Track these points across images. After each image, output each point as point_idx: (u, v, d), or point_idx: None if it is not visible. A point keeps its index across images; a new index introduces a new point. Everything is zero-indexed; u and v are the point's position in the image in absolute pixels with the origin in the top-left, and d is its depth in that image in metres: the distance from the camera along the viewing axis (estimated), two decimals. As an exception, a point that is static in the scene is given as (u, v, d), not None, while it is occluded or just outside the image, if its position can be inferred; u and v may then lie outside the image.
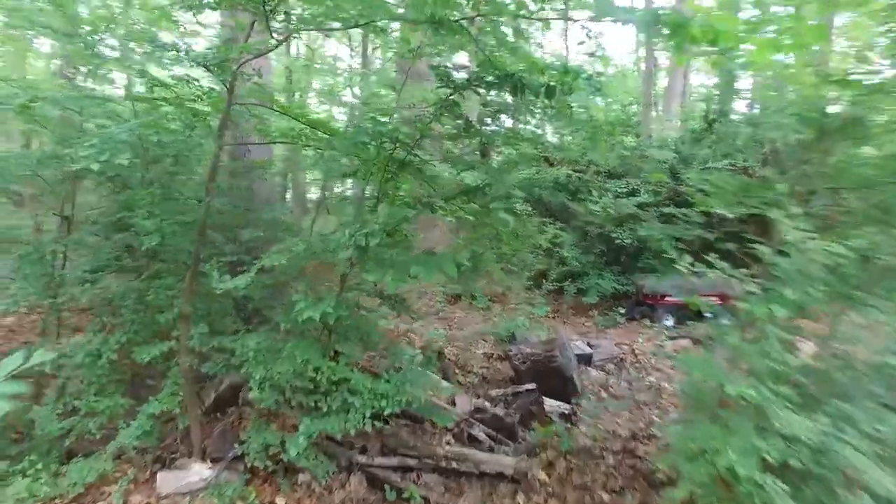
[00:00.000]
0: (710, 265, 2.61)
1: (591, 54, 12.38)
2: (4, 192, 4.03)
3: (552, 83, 3.03)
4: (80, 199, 5.51)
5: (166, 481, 3.59)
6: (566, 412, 4.84)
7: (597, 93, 3.19)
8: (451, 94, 3.30)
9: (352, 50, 20.50)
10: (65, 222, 4.75)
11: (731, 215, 3.25)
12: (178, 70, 3.40)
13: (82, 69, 6.24)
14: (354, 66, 19.60)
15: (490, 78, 3.09)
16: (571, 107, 3.50)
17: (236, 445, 3.41)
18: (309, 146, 3.40)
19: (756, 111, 12.32)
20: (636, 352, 7.37)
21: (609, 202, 9.50)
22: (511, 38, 3.17)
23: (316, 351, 3.04)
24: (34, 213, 5.23)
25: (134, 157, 2.79)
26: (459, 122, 3.38)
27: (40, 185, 4.91)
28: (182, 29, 5.23)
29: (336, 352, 3.30)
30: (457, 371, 6.00)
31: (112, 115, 3.28)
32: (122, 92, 6.19)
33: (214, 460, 3.60)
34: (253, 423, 3.40)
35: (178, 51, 2.86)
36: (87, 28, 4.86)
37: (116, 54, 4.12)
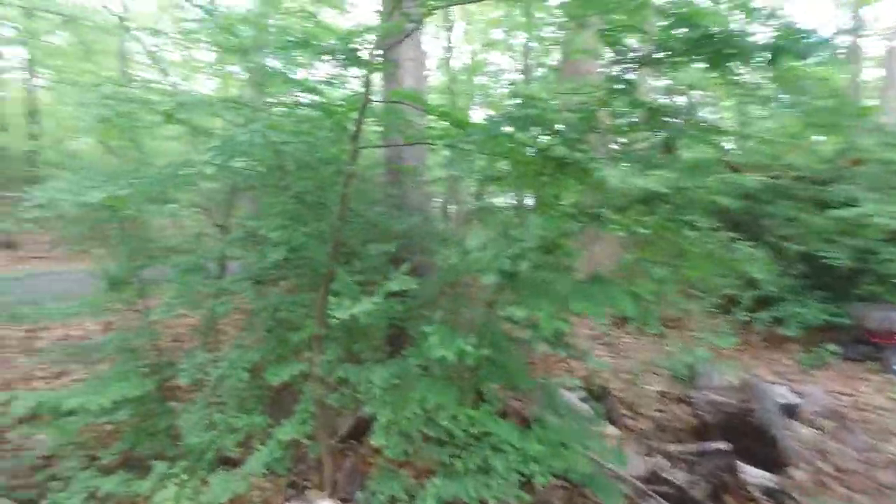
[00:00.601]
0: None
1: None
2: (166, 199, 4.09)
3: (779, 44, 2.16)
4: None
5: (294, 514, 3.34)
6: (772, 487, 3.70)
7: (835, 61, 2.25)
8: (624, 73, 2.57)
9: (515, 61, 20.22)
10: (224, 232, 4.89)
11: None
12: (316, 71, 3.14)
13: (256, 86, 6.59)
14: (517, 76, 19.28)
15: (680, 44, 2.31)
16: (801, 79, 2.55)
17: (358, 493, 3.00)
18: (451, 146, 2.90)
19: None
20: (861, 406, 5.72)
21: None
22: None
23: (452, 394, 2.50)
24: (205, 222, 5.55)
25: (252, 161, 2.54)
26: (637, 108, 2.62)
27: (207, 195, 5.16)
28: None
29: (479, 394, 2.72)
30: (624, 412, 5.10)
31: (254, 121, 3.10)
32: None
33: (344, 500, 3.25)
34: (380, 468, 2.97)
35: (305, 45, 2.54)
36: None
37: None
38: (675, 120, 3.02)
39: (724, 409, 4.36)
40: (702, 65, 2.44)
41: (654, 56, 2.51)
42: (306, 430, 3.29)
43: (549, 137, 2.42)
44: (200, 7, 2.93)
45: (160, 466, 3.77)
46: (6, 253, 11.03)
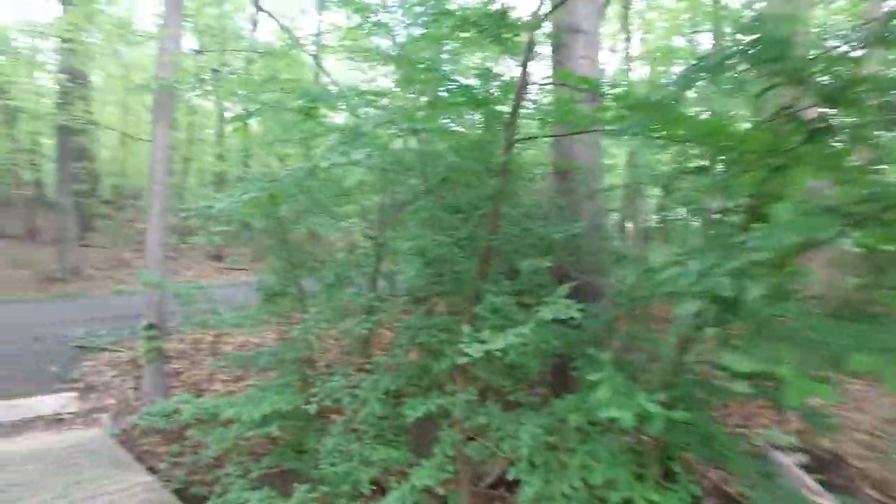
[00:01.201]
0: None
1: None
2: (324, 211, 3.96)
3: None
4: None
5: (429, 575, 2.83)
6: None
7: None
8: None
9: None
10: (376, 244, 4.69)
11: None
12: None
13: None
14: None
15: None
16: None
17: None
18: (627, 132, 2.19)
19: None
20: None
21: None
22: None
23: (626, 468, 1.78)
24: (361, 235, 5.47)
25: (383, 158, 2.14)
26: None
27: (363, 207, 5.04)
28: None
29: (666, 468, 1.95)
30: (871, 493, 3.73)
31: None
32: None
33: (485, 568, 2.67)
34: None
35: (444, 15, 2.08)
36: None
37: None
38: None
39: None
40: None
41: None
42: (445, 477, 2.78)
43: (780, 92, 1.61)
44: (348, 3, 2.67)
45: (302, 490, 3.58)
46: (214, 264, 12.74)
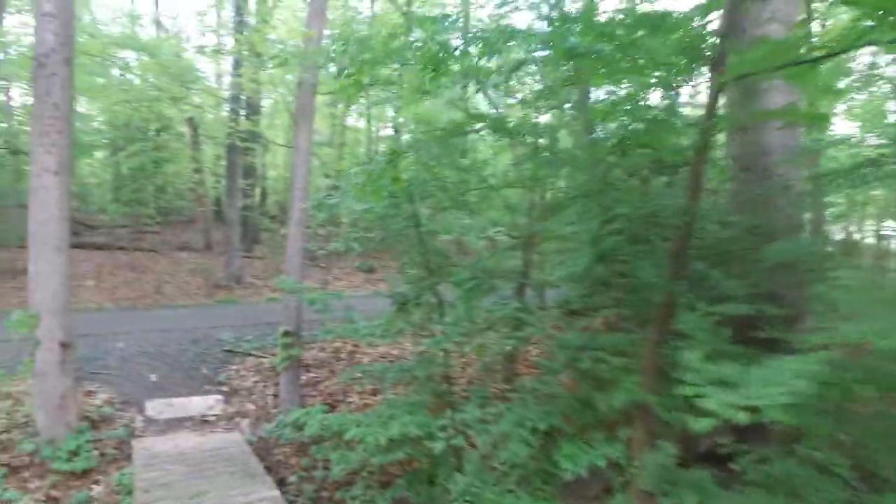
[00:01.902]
0: None
1: None
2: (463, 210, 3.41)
3: None
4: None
5: None
6: None
7: None
8: None
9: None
10: (526, 247, 3.99)
11: None
12: None
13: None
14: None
15: None
16: None
17: None
18: None
19: None
20: None
21: None
22: None
23: None
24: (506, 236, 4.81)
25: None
26: None
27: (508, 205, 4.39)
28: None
29: None
30: None
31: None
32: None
33: None
34: None
35: None
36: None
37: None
38: None
39: None
40: None
41: None
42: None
43: None
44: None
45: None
46: (364, 275, 12.99)
